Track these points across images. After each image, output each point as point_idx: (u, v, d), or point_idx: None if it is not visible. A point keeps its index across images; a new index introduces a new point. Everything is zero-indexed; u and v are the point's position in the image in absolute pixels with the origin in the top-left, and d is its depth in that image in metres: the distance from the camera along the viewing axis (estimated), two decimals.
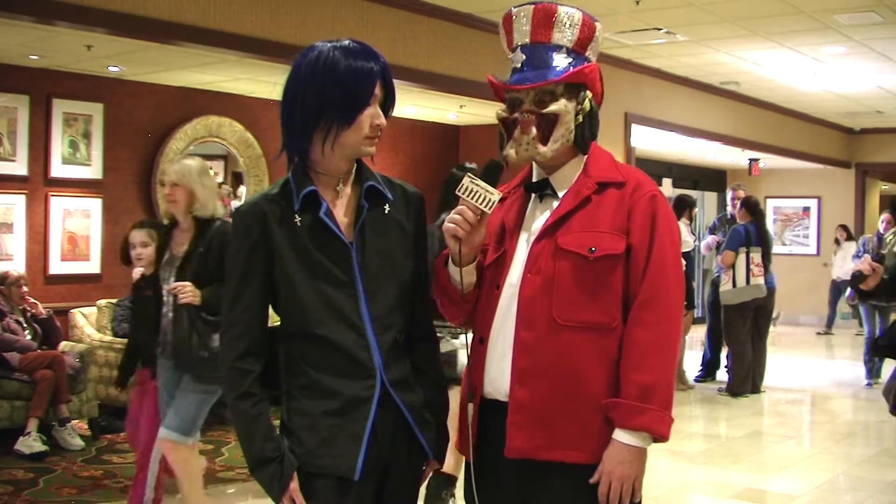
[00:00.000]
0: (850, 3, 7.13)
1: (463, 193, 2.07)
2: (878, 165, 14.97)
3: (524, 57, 2.19)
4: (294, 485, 2.06)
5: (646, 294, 2.10)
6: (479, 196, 2.07)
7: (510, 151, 2.20)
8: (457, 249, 2.12)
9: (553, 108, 2.16)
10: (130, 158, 7.71)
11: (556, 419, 2.09)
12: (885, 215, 8.85)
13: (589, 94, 2.20)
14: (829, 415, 8.04)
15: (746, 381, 8.46)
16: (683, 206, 8.78)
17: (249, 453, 2.09)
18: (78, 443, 6.09)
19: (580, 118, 2.18)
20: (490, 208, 2.08)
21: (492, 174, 2.15)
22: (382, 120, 2.12)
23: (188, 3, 5.69)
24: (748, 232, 8.29)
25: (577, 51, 2.20)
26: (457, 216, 2.09)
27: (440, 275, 2.23)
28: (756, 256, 8.20)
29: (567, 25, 2.19)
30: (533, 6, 2.21)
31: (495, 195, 2.08)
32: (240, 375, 2.10)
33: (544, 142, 2.17)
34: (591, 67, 2.20)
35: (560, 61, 2.17)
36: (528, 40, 2.20)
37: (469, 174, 2.08)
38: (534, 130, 2.17)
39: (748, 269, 8.15)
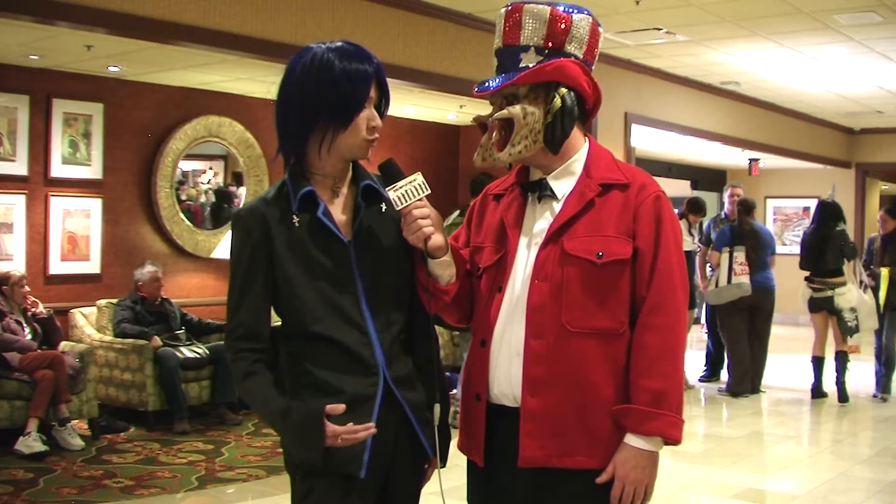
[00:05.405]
0: (850, 3, 7.13)
1: (402, 205, 2.09)
2: (878, 165, 14.96)
3: (496, 62, 2.18)
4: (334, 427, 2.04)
5: (653, 298, 2.10)
6: (410, 192, 2.09)
7: (475, 157, 2.23)
8: (424, 247, 2.12)
9: (504, 112, 2.14)
10: (130, 158, 7.71)
11: (567, 426, 2.09)
12: (881, 213, 8.78)
13: (563, 90, 2.13)
14: (829, 415, 8.04)
15: (745, 380, 8.46)
16: (694, 210, 8.83)
17: (272, 412, 2.09)
18: (78, 443, 6.09)
19: (549, 117, 2.13)
20: (425, 188, 2.10)
21: (392, 172, 2.14)
22: (378, 121, 2.13)
23: (188, 3, 5.69)
24: (732, 231, 8.37)
25: (550, 47, 2.13)
26: (416, 222, 2.09)
27: (417, 274, 2.21)
28: (740, 255, 8.23)
29: (532, 23, 2.13)
30: (505, 9, 2.18)
31: (416, 178, 2.10)
32: (241, 362, 2.12)
33: (502, 147, 2.16)
34: (560, 63, 2.12)
35: (529, 61, 2.13)
36: (500, 44, 2.18)
37: (387, 190, 2.10)
38: (496, 136, 2.17)
39: (730, 269, 8.21)
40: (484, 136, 2.21)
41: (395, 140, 9.48)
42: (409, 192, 2.09)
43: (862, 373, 9.25)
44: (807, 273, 8.29)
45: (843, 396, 8.16)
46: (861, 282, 8.20)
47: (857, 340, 8.16)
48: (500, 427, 2.16)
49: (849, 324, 8.00)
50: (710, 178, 15.35)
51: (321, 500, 2.09)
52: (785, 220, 15.43)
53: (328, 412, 2.03)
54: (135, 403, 6.74)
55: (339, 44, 2.12)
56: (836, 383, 8.20)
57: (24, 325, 6.32)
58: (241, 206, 2.21)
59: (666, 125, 10.26)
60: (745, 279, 8.22)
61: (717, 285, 8.35)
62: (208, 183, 8.57)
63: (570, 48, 2.15)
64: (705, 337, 9.78)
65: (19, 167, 7.07)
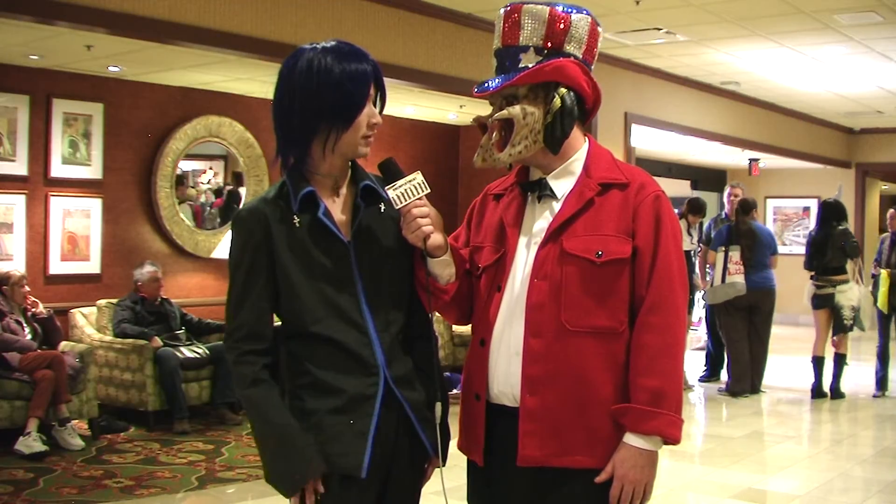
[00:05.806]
0: (850, 3, 7.13)
1: (401, 204, 2.09)
2: (878, 165, 14.95)
3: (496, 62, 2.18)
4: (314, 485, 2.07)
5: (653, 298, 2.09)
6: (410, 191, 2.09)
7: (476, 158, 2.23)
8: (423, 246, 2.12)
9: (504, 113, 2.14)
10: (130, 158, 7.71)
11: (566, 426, 2.09)
12: (891, 212, 8.94)
13: (563, 90, 2.13)
14: (829, 415, 8.04)
15: (744, 380, 8.47)
16: (694, 211, 8.84)
17: (271, 423, 2.08)
18: (78, 443, 6.09)
19: (549, 117, 2.13)
20: (425, 187, 2.10)
21: (392, 171, 2.14)
22: (378, 118, 2.14)
23: (188, 3, 5.69)
24: (729, 230, 8.40)
25: (550, 47, 2.13)
26: (416, 220, 2.09)
27: (416, 273, 2.21)
28: (734, 255, 8.25)
29: (531, 24, 2.13)
30: (504, 10, 2.18)
31: (416, 177, 2.10)
32: (247, 366, 2.10)
33: (502, 147, 2.16)
34: (560, 63, 2.12)
35: (528, 61, 2.13)
36: (499, 44, 2.17)
37: (387, 189, 2.10)
38: (496, 136, 2.17)
39: (725, 268, 8.26)
40: (484, 136, 2.21)
41: (395, 140, 9.48)
42: (409, 191, 2.09)
43: (862, 373, 9.26)
44: (812, 272, 8.45)
45: (836, 393, 8.46)
46: (866, 274, 8.31)
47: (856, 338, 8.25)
48: (500, 426, 2.16)
49: (845, 322, 8.22)
50: (710, 178, 15.34)
51: (321, 499, 2.08)
52: (785, 220, 15.42)
53: (319, 474, 2.05)
54: (135, 403, 6.74)
55: (333, 44, 2.12)
56: (832, 381, 8.45)
57: (24, 325, 6.32)
58: (241, 206, 2.19)
59: (666, 125, 10.25)
60: (739, 278, 8.24)
61: (712, 285, 8.41)
62: (208, 183, 8.58)
63: (570, 48, 2.15)
64: (704, 337, 9.79)
65: (19, 167, 7.07)
